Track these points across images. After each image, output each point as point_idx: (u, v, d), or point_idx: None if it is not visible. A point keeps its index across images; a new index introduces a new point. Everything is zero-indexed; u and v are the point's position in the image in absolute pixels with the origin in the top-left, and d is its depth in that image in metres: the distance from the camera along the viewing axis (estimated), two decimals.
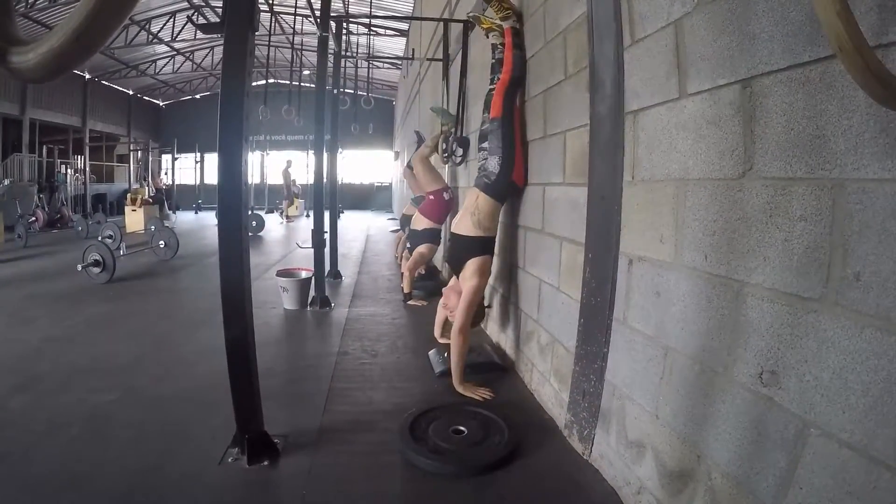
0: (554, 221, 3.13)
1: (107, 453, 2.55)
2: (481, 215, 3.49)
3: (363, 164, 27.10)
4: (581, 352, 2.59)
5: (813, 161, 1.34)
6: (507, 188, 3.56)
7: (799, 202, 1.38)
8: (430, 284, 6.22)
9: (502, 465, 2.46)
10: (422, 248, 6.06)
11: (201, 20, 16.99)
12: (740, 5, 1.58)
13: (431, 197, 6.05)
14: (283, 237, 13.25)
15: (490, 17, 3.66)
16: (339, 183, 15.83)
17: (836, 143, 1.28)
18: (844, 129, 1.26)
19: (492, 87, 3.67)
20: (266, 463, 2.46)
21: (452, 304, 3.55)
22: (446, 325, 4.06)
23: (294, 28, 10.64)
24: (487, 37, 3.72)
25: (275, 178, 23.99)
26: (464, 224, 3.55)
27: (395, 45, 18.48)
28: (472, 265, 3.48)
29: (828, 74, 1.30)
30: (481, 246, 3.52)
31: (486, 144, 3.56)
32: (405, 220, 8.40)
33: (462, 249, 3.55)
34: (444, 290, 3.94)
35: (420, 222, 6.19)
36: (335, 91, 7.20)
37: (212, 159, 23.33)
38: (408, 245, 6.51)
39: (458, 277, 3.63)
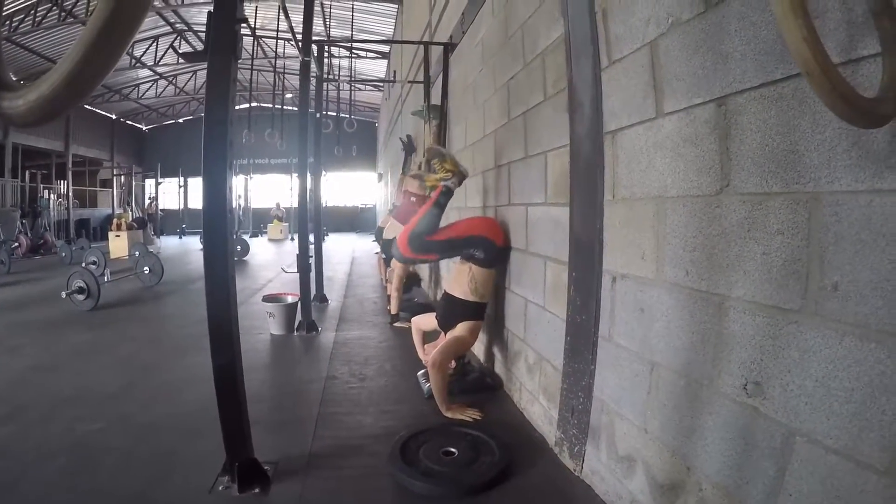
0: (537, 241, 3.15)
1: (95, 483, 2.51)
2: (478, 283, 3.53)
3: (347, 187, 27.13)
4: (568, 369, 2.60)
5: (788, 176, 1.38)
6: (498, 255, 3.60)
7: (776, 216, 1.42)
8: (416, 306, 6.21)
9: (494, 485, 2.44)
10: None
11: (184, 45, 17.06)
12: (713, 25, 1.62)
13: (413, 199, 5.85)
14: (268, 261, 13.17)
15: (437, 176, 3.73)
16: (324, 205, 15.84)
17: (810, 158, 1.32)
18: (817, 144, 1.30)
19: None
20: (257, 490, 2.43)
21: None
22: (427, 343, 4.07)
23: (276, 52, 10.70)
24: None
25: (259, 203, 24.04)
26: (459, 287, 3.58)
27: (377, 68, 18.62)
28: (462, 327, 3.53)
29: (800, 91, 1.34)
30: (474, 311, 3.57)
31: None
32: (380, 233, 8.35)
33: (455, 311, 3.59)
34: (420, 320, 4.04)
35: (393, 230, 6.05)
36: (318, 114, 7.24)
37: (196, 183, 23.31)
38: (383, 256, 6.44)
39: (444, 334, 3.66)
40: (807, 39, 0.93)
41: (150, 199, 24.72)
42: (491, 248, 3.51)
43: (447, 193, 3.60)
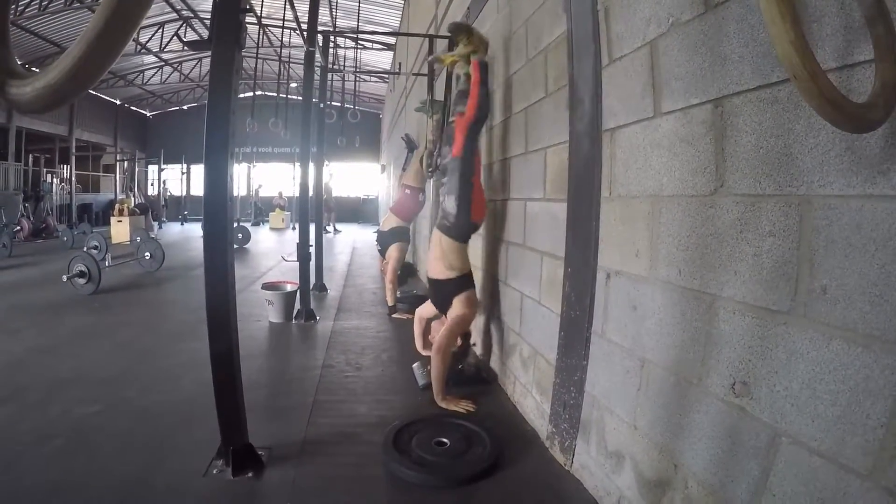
0: (535, 236, 3.17)
1: (92, 465, 2.54)
2: (450, 258, 3.56)
3: (350, 177, 27.05)
4: (561, 364, 2.62)
5: (781, 178, 1.39)
6: (469, 229, 3.60)
7: (768, 218, 1.43)
8: (414, 298, 6.23)
9: (485, 477, 2.47)
10: (393, 252, 6.10)
11: (190, 32, 16.99)
12: (712, 27, 1.63)
13: (408, 191, 6.15)
14: (269, 250, 13.19)
15: (457, 52, 3.62)
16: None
17: (804, 161, 1.33)
18: (811, 148, 1.31)
19: (452, 119, 3.70)
20: (250, 475, 2.46)
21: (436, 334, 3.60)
22: (426, 336, 4.11)
23: (282, 41, 10.65)
24: (450, 71, 3.76)
25: (262, 191, 23.99)
26: (438, 269, 3.61)
27: (383, 59, 18.53)
28: (457, 302, 3.56)
29: (795, 94, 1.34)
30: (460, 284, 3.60)
31: (445, 180, 3.59)
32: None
33: (445, 292, 3.63)
34: (423, 309, 4.09)
35: (389, 222, 6.23)
36: (322, 104, 7.23)
37: (198, 170, 23.27)
38: (378, 248, 6.51)
39: (446, 316, 3.68)
40: (794, 44, 0.93)
41: (152, 185, 24.74)
42: (464, 215, 3.46)
43: (486, 69, 3.46)
